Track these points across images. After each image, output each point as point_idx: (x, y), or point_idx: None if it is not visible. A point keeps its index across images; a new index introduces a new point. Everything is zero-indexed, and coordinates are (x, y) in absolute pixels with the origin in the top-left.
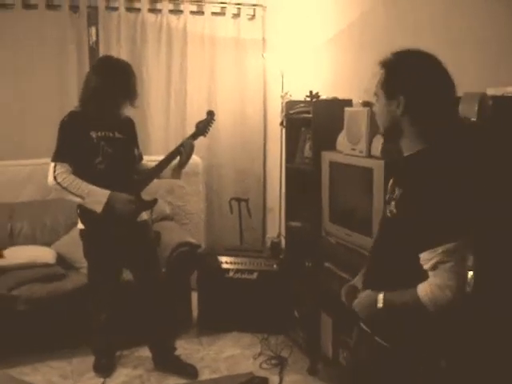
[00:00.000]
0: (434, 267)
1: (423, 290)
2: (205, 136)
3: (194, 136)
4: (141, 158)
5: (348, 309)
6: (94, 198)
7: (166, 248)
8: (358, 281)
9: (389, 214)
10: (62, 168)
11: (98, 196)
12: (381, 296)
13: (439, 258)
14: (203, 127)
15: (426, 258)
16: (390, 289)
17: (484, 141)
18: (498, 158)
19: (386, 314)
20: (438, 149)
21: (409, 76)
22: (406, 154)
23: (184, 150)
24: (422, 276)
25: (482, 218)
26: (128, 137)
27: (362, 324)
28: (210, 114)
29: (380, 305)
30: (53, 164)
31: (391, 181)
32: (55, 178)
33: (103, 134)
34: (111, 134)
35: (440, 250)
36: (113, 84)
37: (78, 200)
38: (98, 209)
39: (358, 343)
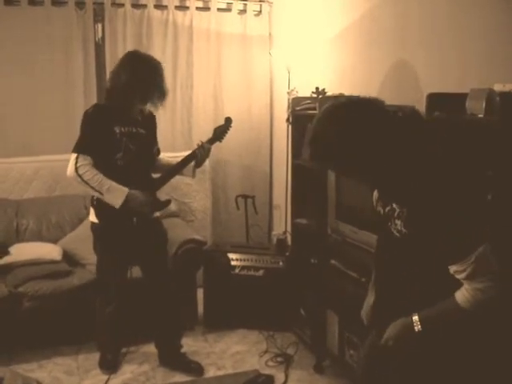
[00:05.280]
0: (471, 275)
1: (462, 296)
2: (221, 142)
3: (211, 141)
4: (158, 153)
5: (369, 330)
6: (113, 195)
7: (172, 245)
8: (371, 298)
9: (397, 234)
10: (85, 161)
11: (117, 193)
12: (415, 318)
13: (474, 266)
14: (220, 133)
15: (460, 270)
16: (417, 307)
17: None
18: (506, 154)
19: (425, 335)
20: (434, 160)
21: (351, 163)
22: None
23: (200, 153)
24: (451, 286)
25: (498, 217)
26: (149, 132)
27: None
28: (228, 120)
29: (418, 327)
30: (75, 155)
31: (376, 194)
32: (76, 169)
33: (126, 129)
34: (134, 130)
35: (473, 258)
36: (142, 81)
37: (95, 195)
38: (117, 204)
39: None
